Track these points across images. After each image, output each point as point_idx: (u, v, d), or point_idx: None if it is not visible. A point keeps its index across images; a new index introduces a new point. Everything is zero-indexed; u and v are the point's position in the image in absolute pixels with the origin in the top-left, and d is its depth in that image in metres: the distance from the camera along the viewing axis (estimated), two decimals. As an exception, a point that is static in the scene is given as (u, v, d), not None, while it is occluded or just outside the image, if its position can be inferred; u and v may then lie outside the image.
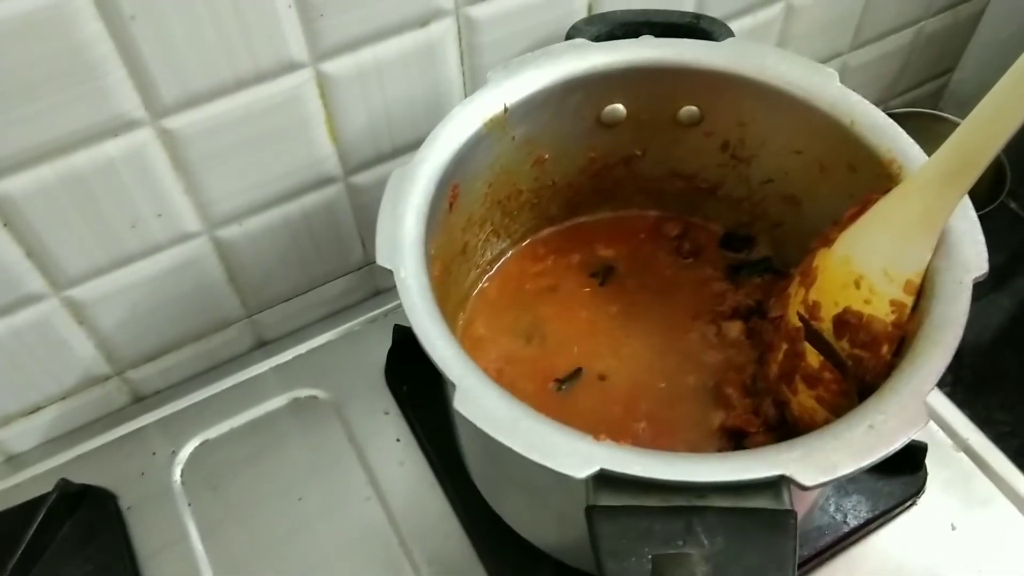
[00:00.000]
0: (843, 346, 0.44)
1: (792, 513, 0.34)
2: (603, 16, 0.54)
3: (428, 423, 0.60)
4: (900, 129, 0.46)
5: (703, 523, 0.34)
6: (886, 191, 0.43)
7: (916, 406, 0.36)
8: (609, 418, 0.50)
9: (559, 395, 0.52)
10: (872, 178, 0.46)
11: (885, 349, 0.42)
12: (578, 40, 0.51)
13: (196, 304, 0.60)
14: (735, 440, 0.49)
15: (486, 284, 0.57)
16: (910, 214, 0.41)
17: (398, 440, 0.61)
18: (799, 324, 0.46)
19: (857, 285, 0.43)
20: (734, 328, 0.53)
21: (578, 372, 0.53)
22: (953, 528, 0.56)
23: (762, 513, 0.34)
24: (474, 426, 0.36)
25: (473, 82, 0.58)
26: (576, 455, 0.35)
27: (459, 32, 0.54)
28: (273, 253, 0.60)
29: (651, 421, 0.50)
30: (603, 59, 0.50)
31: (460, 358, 0.38)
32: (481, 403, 0.37)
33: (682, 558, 0.33)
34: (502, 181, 0.53)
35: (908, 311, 0.41)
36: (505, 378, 0.53)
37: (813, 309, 0.46)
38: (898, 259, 0.42)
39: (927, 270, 0.41)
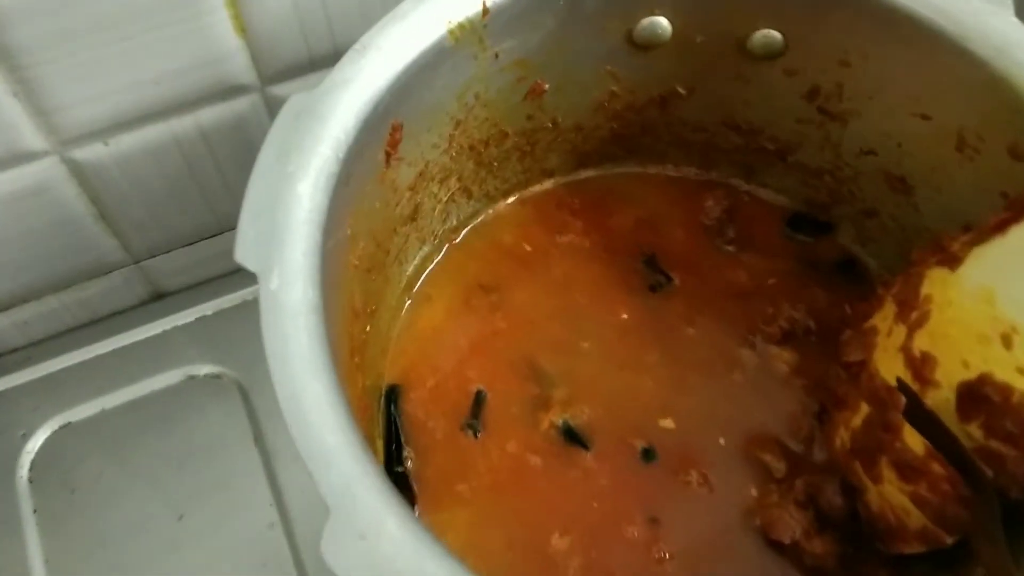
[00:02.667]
0: (973, 433, 0.28)
1: None
2: None
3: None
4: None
5: None
6: None
7: None
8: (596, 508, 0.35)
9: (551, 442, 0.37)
10: None
11: None
12: None
13: (57, 243, 0.46)
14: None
15: (446, 259, 0.41)
16: None
17: (318, 440, 0.46)
18: (894, 385, 0.30)
19: (1006, 342, 0.28)
20: (783, 358, 0.37)
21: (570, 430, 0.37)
22: None
23: None
24: None
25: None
26: None
27: None
28: (159, 182, 0.45)
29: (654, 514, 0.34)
30: None
31: (350, 454, 0.24)
32: (367, 550, 0.22)
33: None
34: (478, 118, 0.39)
35: None
36: (471, 386, 0.38)
37: (922, 365, 0.30)
38: None
39: None
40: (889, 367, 0.31)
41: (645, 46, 0.39)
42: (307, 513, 0.45)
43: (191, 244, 0.50)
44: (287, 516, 0.45)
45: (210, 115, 0.43)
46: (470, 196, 0.41)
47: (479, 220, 0.42)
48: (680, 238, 0.42)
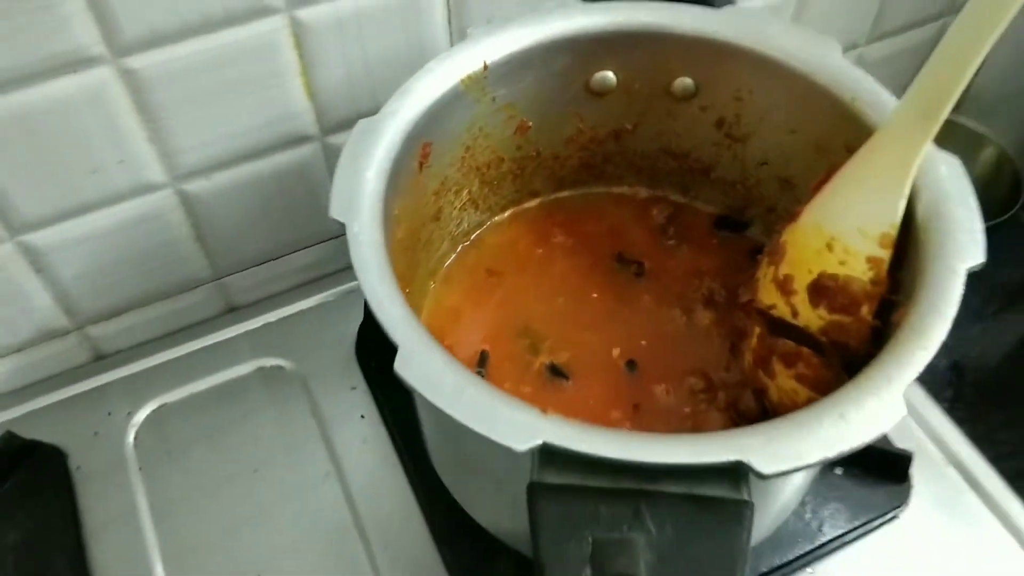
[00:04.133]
0: (821, 314, 0.41)
1: (749, 504, 0.31)
2: None
3: (394, 401, 0.58)
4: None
5: (652, 508, 0.31)
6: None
7: (893, 398, 0.32)
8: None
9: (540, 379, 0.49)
10: None
11: (865, 310, 0.39)
12: (568, 1, 0.48)
13: (162, 261, 0.58)
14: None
15: (461, 254, 0.54)
16: (880, 166, 0.40)
17: (363, 417, 0.58)
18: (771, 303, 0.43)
19: (830, 248, 0.41)
20: (706, 316, 0.50)
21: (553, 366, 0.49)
22: (937, 546, 0.52)
23: (716, 502, 0.31)
24: (420, 396, 0.33)
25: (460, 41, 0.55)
26: (519, 427, 0.32)
27: (446, -13, 0.52)
28: (243, 212, 0.57)
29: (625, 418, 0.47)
30: (593, 21, 0.47)
31: (407, 320, 0.36)
32: (425, 368, 0.34)
33: (625, 544, 0.30)
34: (481, 146, 0.50)
35: (886, 266, 0.39)
36: (478, 347, 0.50)
37: (785, 283, 0.43)
38: (871, 214, 0.39)
39: (919, 258, 0.38)
40: (767, 296, 0.44)
41: (599, 93, 0.50)
42: (355, 465, 0.55)
43: (259, 264, 0.62)
44: (340, 468, 0.55)
45: (282, 159, 0.56)
46: (477, 208, 0.53)
47: (484, 227, 0.55)
48: (637, 239, 0.55)
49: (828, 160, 0.45)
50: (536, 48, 0.47)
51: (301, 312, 0.64)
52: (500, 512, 0.47)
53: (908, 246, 0.39)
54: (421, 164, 0.45)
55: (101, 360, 0.62)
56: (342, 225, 0.38)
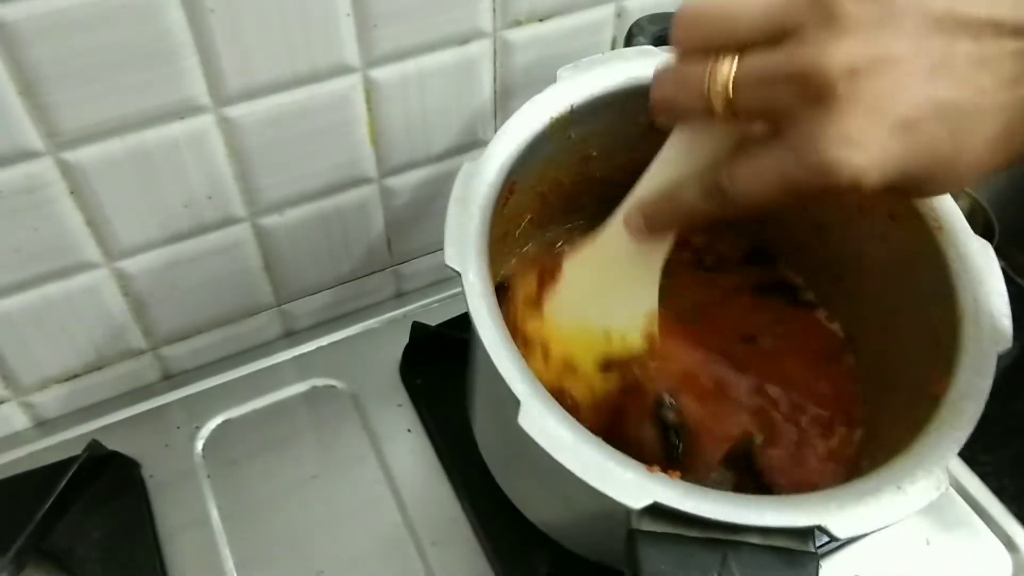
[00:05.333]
0: (610, 378, 0.50)
1: (816, 555, 0.37)
2: (666, 16, 0.56)
3: (438, 415, 0.64)
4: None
5: (737, 557, 0.37)
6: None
7: (940, 471, 0.40)
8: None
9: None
10: (910, 230, 0.49)
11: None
12: (647, 47, 0.53)
13: (232, 288, 0.64)
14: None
15: (515, 267, 0.60)
16: (630, 273, 0.47)
17: (409, 431, 0.64)
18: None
19: (608, 337, 0.49)
20: None
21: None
22: (928, 544, 0.59)
23: (790, 552, 0.37)
24: (529, 439, 0.38)
25: (504, 98, 0.63)
26: (632, 486, 0.37)
27: (495, 53, 0.60)
28: (307, 246, 0.64)
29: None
30: None
31: (524, 373, 0.40)
32: (544, 422, 0.38)
33: (714, 586, 0.37)
34: (550, 175, 0.55)
35: (658, 334, 0.49)
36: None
37: (568, 366, 0.49)
38: (637, 306, 0.48)
39: (958, 339, 0.44)
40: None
41: (662, 129, 0.51)
42: (403, 473, 0.61)
43: (316, 293, 0.68)
44: (390, 476, 0.61)
45: (344, 198, 0.62)
46: (534, 226, 0.58)
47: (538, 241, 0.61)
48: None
49: (867, 219, 0.53)
50: (617, 92, 0.51)
51: (351, 336, 0.70)
52: (558, 517, 0.52)
53: (947, 327, 0.45)
54: (507, 200, 0.50)
55: (168, 379, 0.68)
56: (457, 273, 0.43)
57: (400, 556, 0.58)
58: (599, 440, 0.39)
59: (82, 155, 0.51)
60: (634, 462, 0.39)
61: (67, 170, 0.51)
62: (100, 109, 0.49)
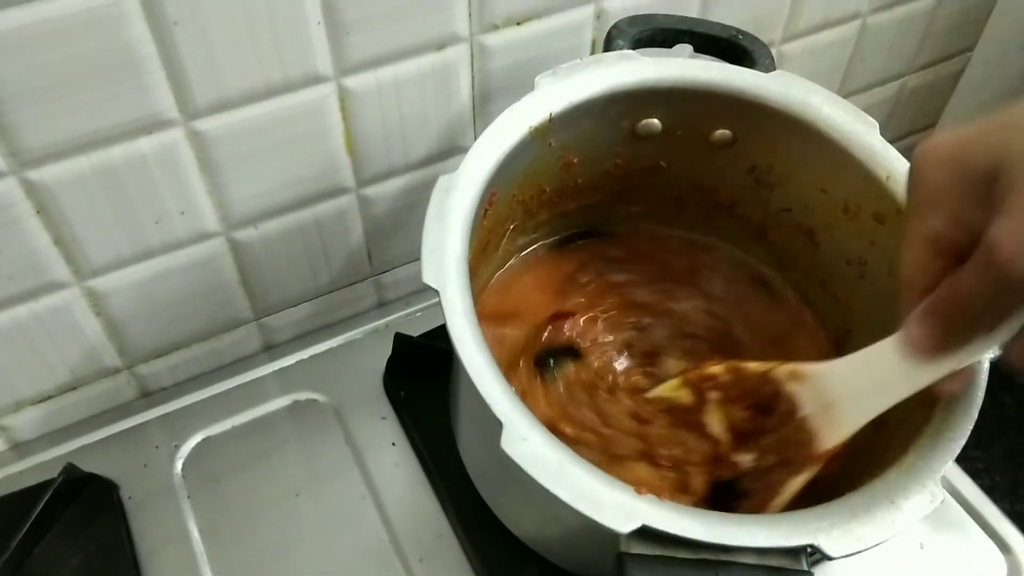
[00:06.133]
0: None
1: (809, 573, 0.37)
2: (645, 18, 0.55)
3: (423, 428, 0.63)
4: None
5: None
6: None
7: (933, 485, 0.39)
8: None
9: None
10: (897, 231, 0.47)
11: None
12: (627, 51, 0.52)
13: (208, 303, 0.63)
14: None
15: (498, 279, 0.59)
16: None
17: (393, 444, 0.63)
18: None
19: None
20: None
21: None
22: (921, 547, 0.58)
23: (783, 572, 0.37)
24: (513, 463, 0.37)
25: (483, 102, 0.61)
26: (620, 510, 0.37)
27: (472, 57, 0.58)
28: (285, 258, 0.63)
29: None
30: (652, 74, 0.51)
31: (508, 396, 0.39)
32: (527, 445, 0.37)
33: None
34: (531, 183, 0.54)
35: None
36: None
37: None
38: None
39: None
40: None
41: (644, 136, 0.53)
42: (388, 487, 0.60)
43: (295, 305, 0.67)
44: (374, 490, 0.60)
45: (322, 209, 0.61)
46: (517, 234, 0.57)
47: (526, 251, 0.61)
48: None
49: (855, 222, 0.52)
50: (597, 98, 0.50)
51: (332, 349, 0.69)
52: (545, 534, 0.52)
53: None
54: (486, 211, 0.49)
55: (146, 397, 0.66)
56: (435, 291, 0.41)
57: (386, 573, 0.57)
58: (585, 462, 0.38)
59: (47, 174, 0.49)
60: (621, 484, 0.38)
61: (32, 189, 0.49)
62: (64, 126, 0.48)
